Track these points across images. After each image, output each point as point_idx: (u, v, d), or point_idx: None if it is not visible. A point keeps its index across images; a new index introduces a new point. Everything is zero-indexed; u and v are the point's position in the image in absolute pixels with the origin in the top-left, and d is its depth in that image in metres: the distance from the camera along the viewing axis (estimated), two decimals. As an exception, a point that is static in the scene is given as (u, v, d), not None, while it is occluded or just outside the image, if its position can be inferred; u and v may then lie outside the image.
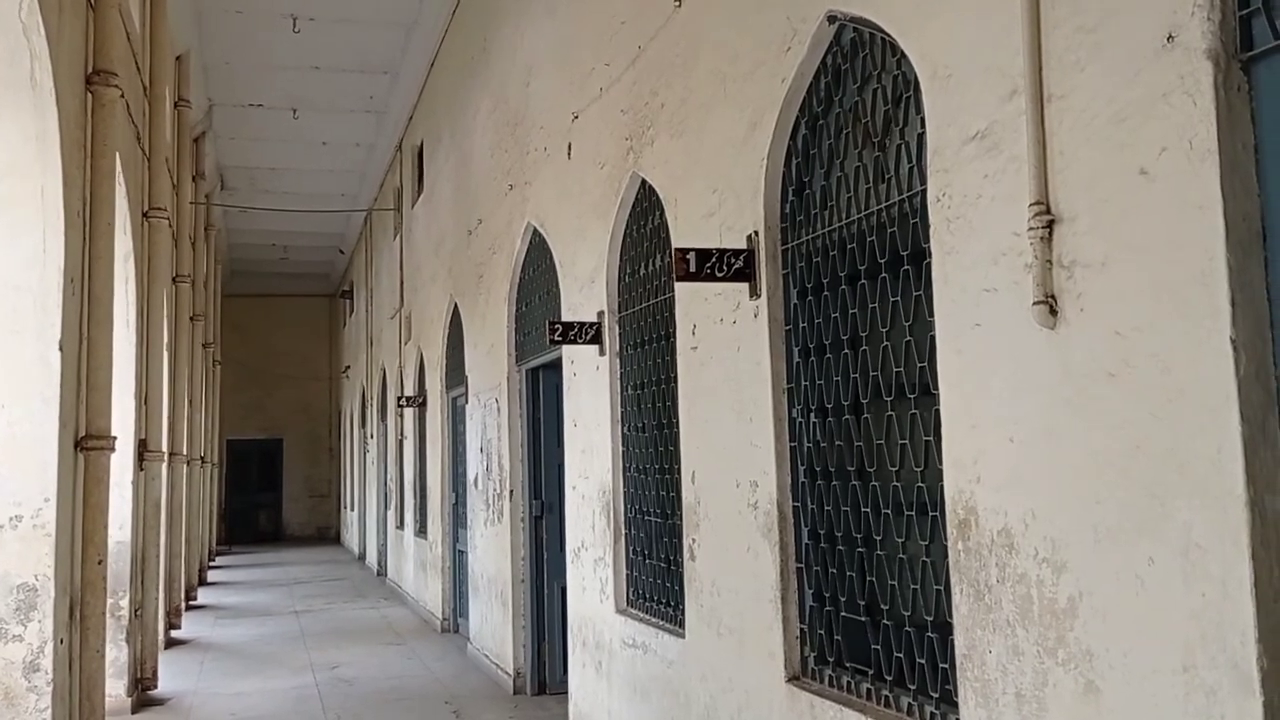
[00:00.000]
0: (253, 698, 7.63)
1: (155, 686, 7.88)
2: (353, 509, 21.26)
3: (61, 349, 4.65)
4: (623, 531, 5.59)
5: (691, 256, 4.03)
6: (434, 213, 11.75)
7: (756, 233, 4.03)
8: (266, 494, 25.57)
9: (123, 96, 5.58)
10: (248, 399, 24.85)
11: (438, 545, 10.95)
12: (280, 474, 25.85)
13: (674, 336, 4.85)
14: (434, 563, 11.14)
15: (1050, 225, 2.59)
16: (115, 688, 7.08)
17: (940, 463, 3.04)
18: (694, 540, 4.57)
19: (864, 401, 3.55)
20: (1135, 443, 2.36)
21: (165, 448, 9.06)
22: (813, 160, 3.85)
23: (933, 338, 3.10)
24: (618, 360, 5.66)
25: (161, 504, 8.70)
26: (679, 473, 4.78)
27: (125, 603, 7.26)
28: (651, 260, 5.26)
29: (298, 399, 25.58)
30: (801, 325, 3.89)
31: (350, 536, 21.80)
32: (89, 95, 5.05)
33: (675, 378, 4.84)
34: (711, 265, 4.03)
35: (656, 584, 5.17)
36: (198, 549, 14.46)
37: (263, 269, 23.26)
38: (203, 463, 14.82)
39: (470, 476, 9.27)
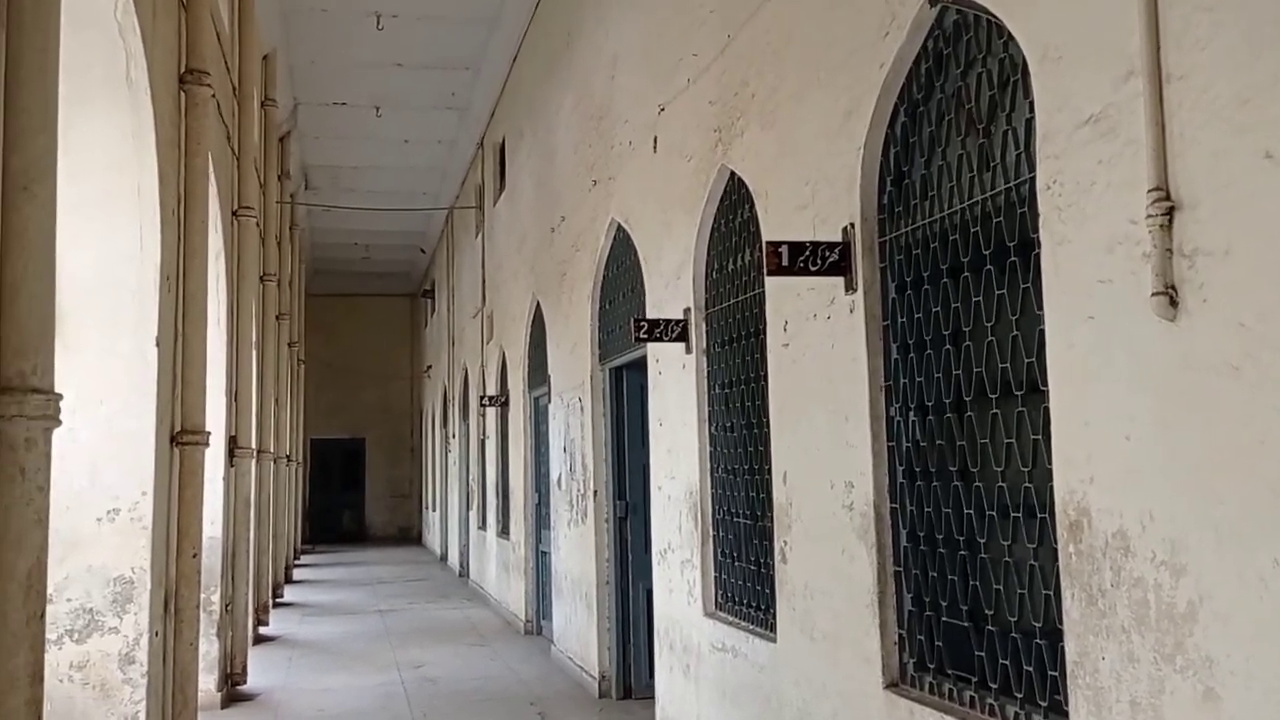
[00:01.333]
0: (339, 694, 7.81)
1: (244, 681, 8.12)
2: (434, 509, 21.60)
3: (158, 345, 4.81)
4: (711, 533, 5.58)
5: (784, 250, 4.01)
6: (516, 210, 11.87)
7: (852, 225, 4.00)
8: (349, 494, 26.13)
9: (214, 96, 5.76)
10: (330, 398, 25.42)
11: (520, 546, 11.07)
12: (363, 474, 26.40)
13: (764, 333, 4.83)
14: (516, 564, 11.27)
15: (1170, 212, 2.52)
16: (206, 682, 7.30)
17: (1049, 462, 2.98)
18: (785, 542, 4.55)
19: (966, 399, 3.50)
20: (1260, 438, 2.29)
21: (254, 445, 9.33)
22: (912, 149, 3.81)
23: (1041, 331, 3.05)
24: (705, 358, 5.66)
25: (251, 501, 8.96)
26: (769, 473, 4.76)
27: (216, 598, 7.49)
28: (740, 255, 5.25)
29: (379, 399, 26.09)
30: (900, 320, 3.85)
31: (432, 537, 22.16)
32: (182, 94, 5.22)
33: (765, 376, 4.82)
34: (805, 259, 4.00)
35: (746, 587, 5.16)
36: (284, 547, 14.85)
37: (345, 268, 23.77)
38: (288, 461, 15.19)
39: (553, 477, 9.34)
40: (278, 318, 12.49)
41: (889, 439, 3.87)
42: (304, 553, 21.33)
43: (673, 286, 6.02)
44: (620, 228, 7.38)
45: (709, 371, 5.64)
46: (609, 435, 7.82)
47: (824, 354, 4.21)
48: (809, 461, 4.34)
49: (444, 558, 19.64)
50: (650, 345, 6.36)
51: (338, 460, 26.36)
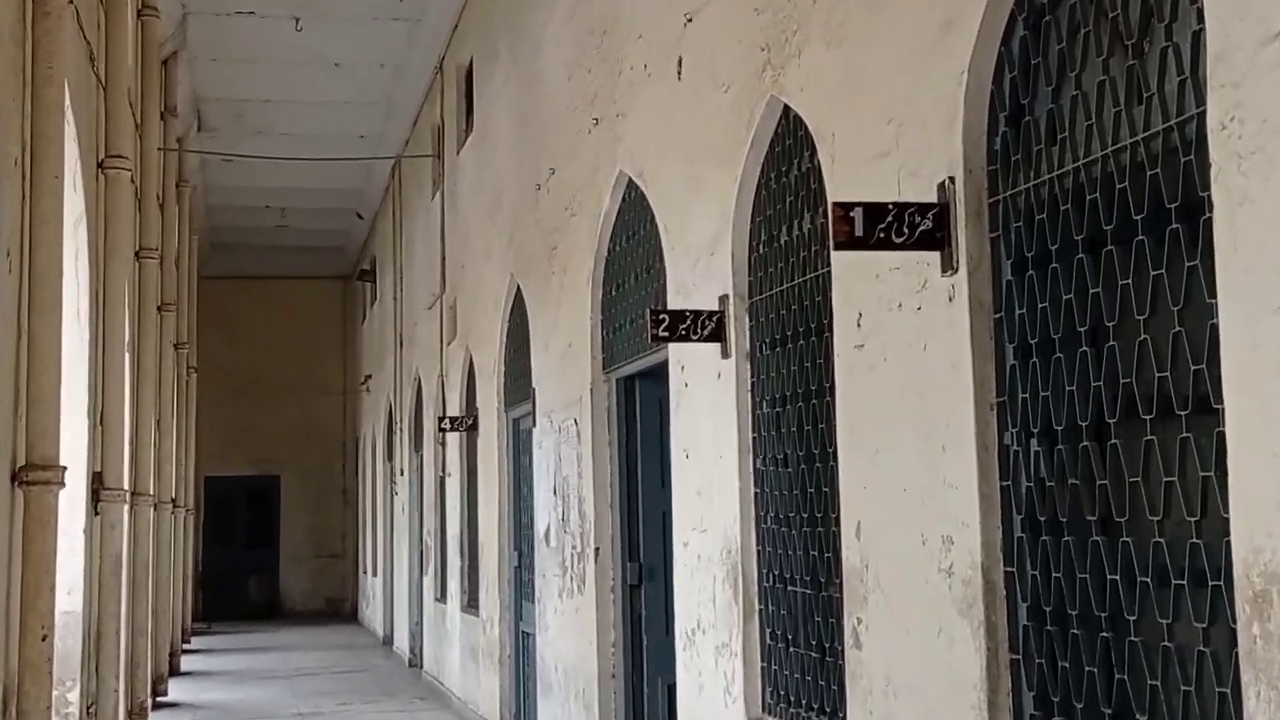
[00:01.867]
0: None
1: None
2: (375, 574, 21.69)
3: (-7, 347, 4.84)
4: (756, 607, 5.60)
5: (857, 215, 4.03)
6: (488, 160, 11.93)
7: (952, 180, 4.01)
8: (258, 552, 26.30)
9: (71, 2, 5.79)
10: (233, 420, 25.61)
11: (494, 624, 11.11)
12: (276, 525, 26.57)
13: (830, 330, 4.85)
14: (488, 649, 11.30)
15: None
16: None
17: (1225, 509, 2.97)
18: (859, 620, 4.55)
19: (1110, 422, 3.50)
20: None
21: (128, 485, 9.39)
22: (1035, 74, 3.81)
23: (1214, 327, 3.04)
24: (748, 364, 5.69)
25: (123, 562, 8.99)
26: (837, 524, 4.78)
27: (74, 695, 7.54)
28: (798, 222, 5.27)
29: (300, 421, 26.27)
30: (1019, 312, 3.85)
31: (372, 612, 22.24)
32: (28, 1, 5.25)
33: (832, 389, 4.83)
34: (886, 227, 4.02)
35: (805, 681, 5.17)
36: (168, 626, 14.93)
37: (254, 240, 23.99)
38: (175, 508, 15.29)
39: (539, 529, 9.37)
40: (160, 309, 12.58)
41: (1003, 477, 3.87)
42: (196, 633, 21.46)
43: (704, 266, 6.04)
44: (632, 184, 7.40)
45: (754, 383, 5.65)
46: (616, 472, 7.84)
47: (913, 358, 4.22)
48: (892, 508, 4.34)
49: (388, 640, 19.71)
50: (673, 347, 6.39)
51: (243, 506, 26.53)
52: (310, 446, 26.27)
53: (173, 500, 14.92)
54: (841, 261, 4.67)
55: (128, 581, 10.20)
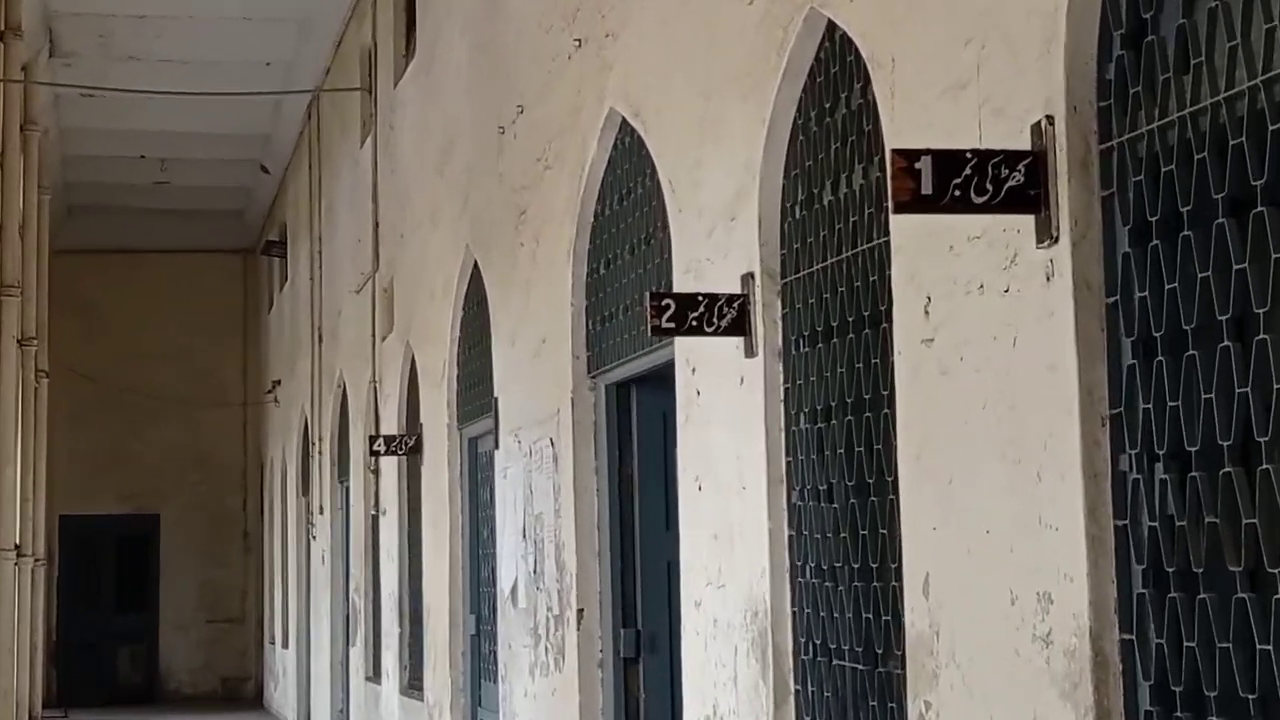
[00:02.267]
0: None
1: None
2: (287, 645, 21.67)
3: None
4: (791, 688, 5.61)
5: (924, 167, 4.03)
6: (435, 95, 11.93)
7: (1050, 120, 4.01)
8: (131, 617, 26.28)
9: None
10: (98, 442, 25.63)
11: (443, 712, 11.11)
12: (155, 581, 26.55)
13: (889, 320, 4.85)
14: (437, 745, 11.30)
15: None
16: None
17: None
18: (927, 705, 4.55)
19: (1262, 440, 3.49)
20: None
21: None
22: (1160, -22, 3.81)
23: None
24: (780, 365, 5.70)
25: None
26: (899, 577, 4.78)
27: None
28: (846, 176, 5.28)
29: (188, 443, 26.26)
30: (1139, 295, 3.85)
31: (282, 695, 22.23)
32: None
33: (892, 398, 4.83)
34: (963, 183, 4.02)
35: (857, 787, 5.17)
36: (10, 712, 14.90)
37: (125, 202, 23.98)
38: (17, 557, 15.29)
39: (504, 584, 9.37)
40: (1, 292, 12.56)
41: (1118, 514, 3.88)
42: (48, 724, 21.41)
43: (722, 235, 6.05)
44: (626, 127, 7.40)
45: (788, 390, 5.66)
46: (606, 508, 7.86)
47: (998, 358, 4.22)
48: (971, 556, 4.34)
49: (304, 734, 19.70)
50: (681, 342, 6.41)
51: (110, 556, 26.49)
52: (200, 477, 26.27)
53: (16, 548, 14.92)
54: (904, 229, 4.67)
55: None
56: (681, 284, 6.38)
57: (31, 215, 16.85)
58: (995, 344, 4.24)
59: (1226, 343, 3.61)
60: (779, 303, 5.70)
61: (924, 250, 4.59)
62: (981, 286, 4.30)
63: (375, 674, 14.40)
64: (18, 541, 15.18)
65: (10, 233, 13.68)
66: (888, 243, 4.87)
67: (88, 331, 25.18)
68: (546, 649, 8.41)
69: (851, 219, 5.23)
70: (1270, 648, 3.47)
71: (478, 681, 10.69)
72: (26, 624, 17.92)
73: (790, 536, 5.62)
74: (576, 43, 8.02)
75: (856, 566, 5.18)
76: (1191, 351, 3.71)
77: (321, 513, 17.89)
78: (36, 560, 18.85)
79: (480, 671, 10.62)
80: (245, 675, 26.32)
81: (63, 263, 22.88)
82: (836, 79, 5.35)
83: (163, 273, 25.90)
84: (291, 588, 21.04)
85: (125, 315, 25.77)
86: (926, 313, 4.57)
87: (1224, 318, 3.61)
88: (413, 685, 12.60)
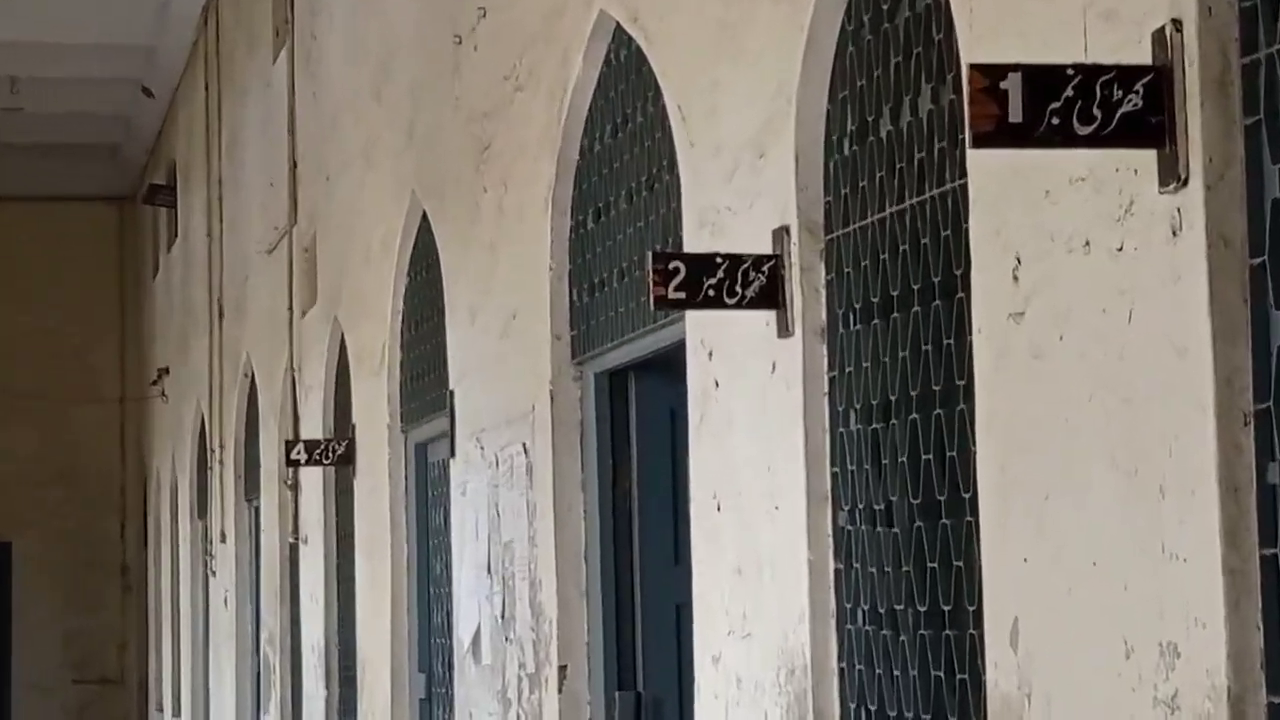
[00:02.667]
0: None
1: None
2: (179, 713, 21.64)
3: None
4: (840, 768, 5.62)
5: (1012, 88, 4.04)
6: (371, -9, 11.91)
7: (1177, 25, 4.01)
8: (-28, 678, 26.26)
9: None
10: (-73, 448, 25.58)
11: (384, 803, 11.13)
12: (4, 629, 26.47)
13: (965, 288, 4.87)
14: (376, 846, 11.33)
15: None
16: None
17: None
18: (1017, 789, 4.57)
19: None
20: None
21: None
22: None
23: None
24: (823, 348, 5.71)
25: None
26: (978, 623, 4.79)
27: None
28: (910, 99, 5.28)
29: (48, 450, 26.23)
30: (1293, 255, 3.86)
31: (172, 783, 22.20)
32: None
33: (969, 390, 4.85)
34: (1063, 108, 4.02)
35: None
36: None
37: (-39, 133, 23.89)
38: None
39: (463, 634, 9.40)
40: None
41: (1265, 542, 3.88)
42: None
43: (747, 177, 6.05)
44: (620, 34, 7.40)
45: (833, 380, 5.67)
46: (596, 535, 7.86)
47: (1109, 336, 4.23)
48: (1073, 595, 4.36)
49: (201, 833, 19.71)
50: (693, 318, 6.41)
51: (-55, 598, 26.46)
52: (64, 494, 26.28)
53: None
54: (986, 169, 4.67)
55: None
56: (695, 242, 6.37)
57: None
58: (1105, 319, 4.23)
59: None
60: (822, 266, 5.69)
61: (1011, 197, 4.57)
62: (1087, 244, 4.29)
63: (295, 754, 14.43)
64: None
65: None
66: (964, 187, 4.84)
67: (-85, 304, 25.19)
68: (519, 717, 8.41)
69: (917, 156, 5.21)
70: None
71: (429, 763, 10.72)
72: None
73: (837, 571, 5.61)
74: (557, -78, 8.03)
75: (923, 610, 5.16)
76: (1361, 328, 3.74)
77: (223, 541, 17.89)
78: None
79: (433, 750, 10.66)
80: (124, 756, 26.37)
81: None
82: (895, -28, 5.37)
83: (13, 227, 25.87)
84: (185, 639, 21.05)
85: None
86: (1015, 278, 4.55)
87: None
88: (344, 770, 12.63)
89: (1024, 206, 4.55)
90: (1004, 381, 4.65)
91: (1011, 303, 4.61)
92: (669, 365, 7.23)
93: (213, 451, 18.43)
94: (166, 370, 22.59)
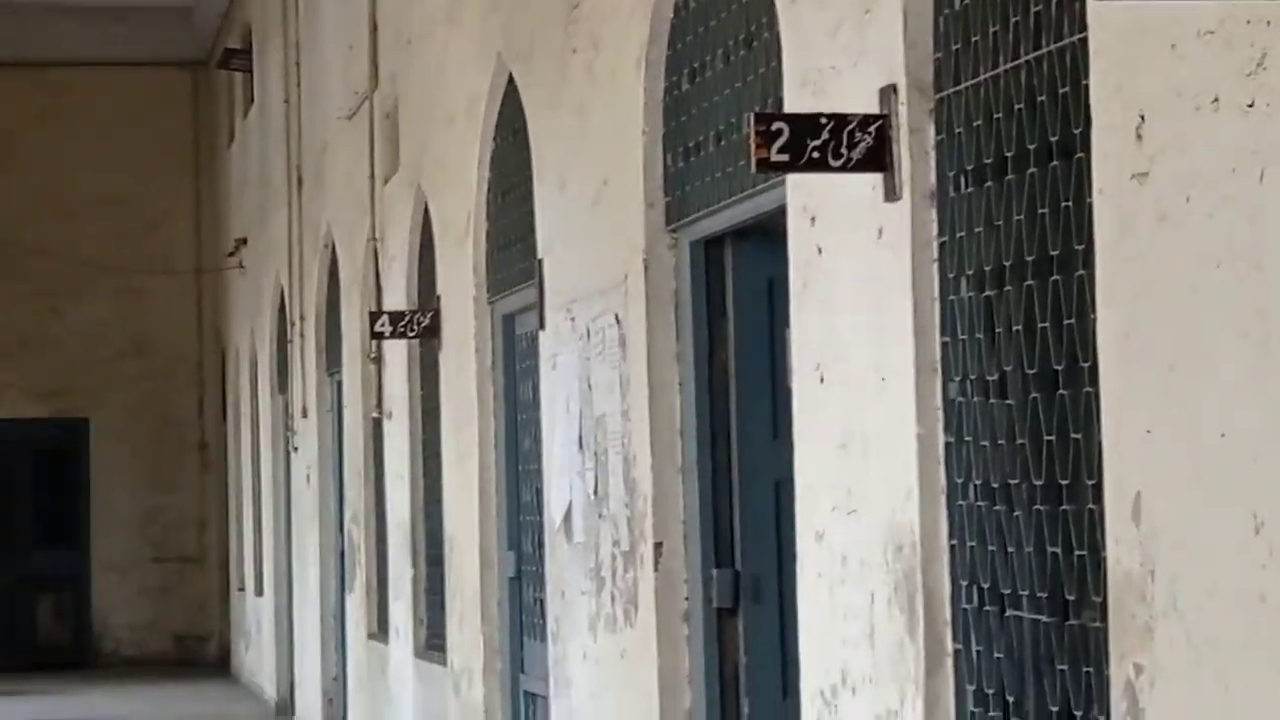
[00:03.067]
0: None
1: None
2: (261, 592, 21.84)
3: None
4: (949, 647, 5.61)
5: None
6: None
7: None
8: (53, 556, 26.57)
9: None
10: (4, 324, 25.82)
11: (474, 680, 11.20)
12: (85, 508, 26.76)
13: (1084, 147, 4.80)
14: (465, 724, 11.40)
15: None
16: None
17: None
18: (1138, 667, 4.53)
19: None
20: None
21: None
22: None
23: None
24: (932, 211, 5.67)
25: None
26: (1097, 497, 4.76)
27: None
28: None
29: (123, 325, 26.44)
30: None
31: (256, 657, 22.46)
32: None
33: (1089, 255, 4.79)
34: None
35: (1038, 779, 5.18)
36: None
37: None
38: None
39: (554, 511, 9.42)
40: None
41: None
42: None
43: (852, 33, 6.00)
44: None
45: (943, 246, 5.62)
46: (692, 408, 7.86)
47: (1238, 198, 4.16)
48: (1199, 468, 4.31)
49: (285, 709, 19.88)
50: (795, 181, 6.37)
51: (25, 475, 26.76)
52: (141, 369, 26.48)
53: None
54: (1107, 22, 4.59)
55: None
56: (797, 101, 6.31)
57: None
58: (1235, 179, 4.16)
59: None
60: (932, 127, 5.63)
61: (1135, 50, 4.50)
62: (1216, 100, 4.21)
63: (381, 631, 14.52)
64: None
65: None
66: (1084, 41, 4.77)
67: (-13, 175, 25.32)
68: (613, 597, 8.43)
69: (1033, 9, 5.15)
70: None
71: (519, 640, 10.76)
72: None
73: (947, 444, 5.59)
74: None
75: (1039, 484, 5.13)
76: None
77: (305, 416, 17.99)
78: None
79: (522, 627, 10.70)
80: (205, 633, 26.64)
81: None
82: None
83: (84, 94, 25.97)
84: (267, 517, 21.22)
85: (36, 152, 25.88)
86: (1139, 137, 4.48)
87: None
88: (432, 645, 12.69)
89: (1148, 61, 4.47)
90: (1127, 246, 4.59)
91: (1135, 163, 4.54)
92: (768, 232, 7.22)
93: (293, 324, 18.49)
94: (244, 241, 22.68)
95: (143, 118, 26.08)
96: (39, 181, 25.70)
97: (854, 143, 5.75)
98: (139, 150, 26.07)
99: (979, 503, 5.47)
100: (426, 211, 12.61)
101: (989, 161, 5.39)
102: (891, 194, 5.74)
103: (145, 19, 25.01)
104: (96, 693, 23.04)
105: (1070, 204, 4.98)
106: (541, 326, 9.64)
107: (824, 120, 5.79)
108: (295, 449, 18.79)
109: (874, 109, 5.79)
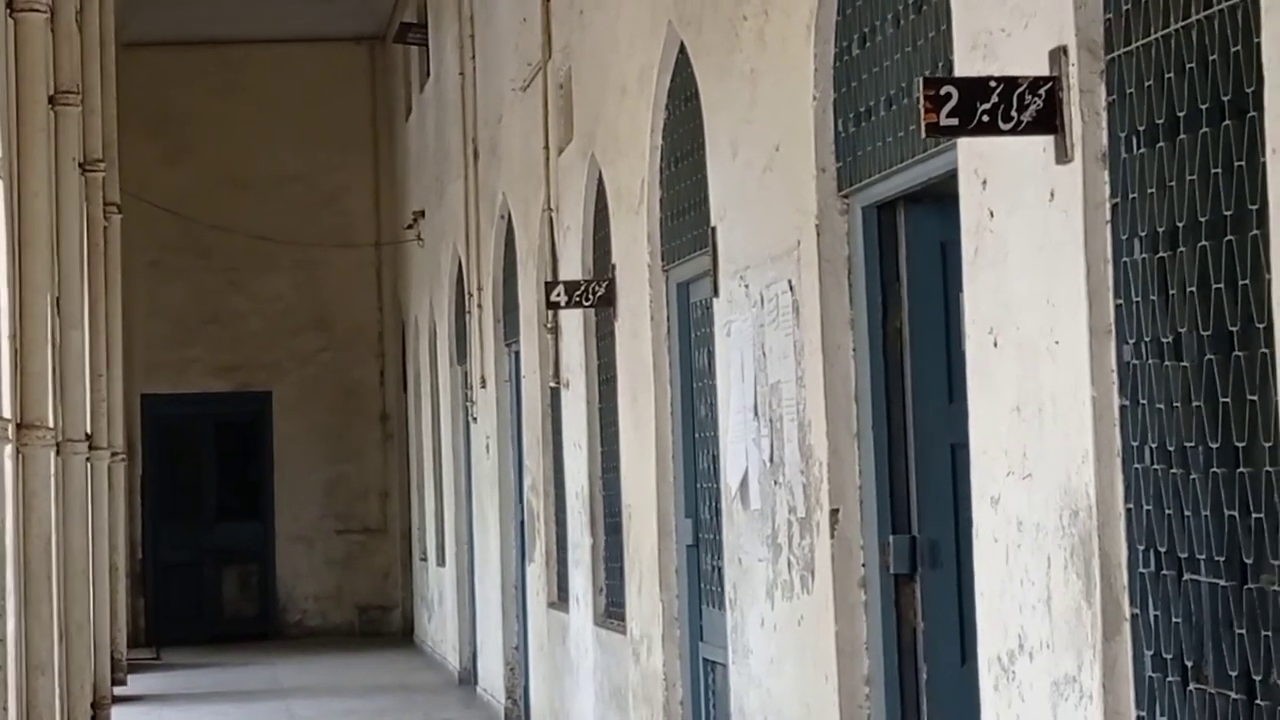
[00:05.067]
0: None
1: None
2: (443, 562, 21.98)
3: None
4: (1126, 612, 5.58)
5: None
6: None
7: None
8: (238, 527, 26.89)
9: None
10: (187, 298, 26.20)
11: (653, 648, 11.24)
12: (269, 481, 27.04)
13: (1257, 106, 4.75)
14: (645, 691, 11.46)
15: None
16: None
17: None
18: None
19: None
20: None
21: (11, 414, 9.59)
22: None
23: None
24: (1104, 174, 5.63)
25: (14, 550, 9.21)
26: (1275, 460, 4.73)
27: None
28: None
29: (305, 298, 26.69)
30: None
31: (439, 627, 22.61)
32: None
33: (1262, 213, 4.74)
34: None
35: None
36: (85, 659, 15.34)
37: (210, -22, 24.15)
38: (90, 450, 15.63)
39: (730, 479, 9.44)
40: (53, 100, 12.75)
41: None
42: (137, 668, 22.02)
43: (1021, -5, 5.95)
44: None
45: (1115, 208, 5.59)
46: (867, 374, 7.86)
47: None
48: (1378, 429, 4.24)
49: (468, 678, 20.02)
50: (966, 145, 6.36)
51: (210, 449, 27.10)
52: (323, 342, 26.70)
53: (87, 438, 15.24)
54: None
55: (17, 583, 10.54)
56: (967, 65, 6.28)
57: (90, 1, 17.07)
58: None
59: None
60: (1103, 88, 5.59)
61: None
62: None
63: (561, 599, 14.57)
64: (89, 430, 15.51)
65: (65, 22, 13.86)
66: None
67: (169, 152, 25.61)
68: (790, 564, 8.43)
69: (1212, -38, 5.10)
70: None
71: (697, 608, 10.76)
72: (105, 539, 18.40)
73: (1122, 408, 5.54)
74: None
75: (1215, 447, 5.08)
76: None
77: (484, 386, 18.06)
78: (114, 455, 19.32)
79: (701, 595, 10.70)
80: (389, 603, 26.83)
81: (133, 61, 23.31)
82: None
83: (265, 71, 26.22)
84: (447, 487, 21.32)
85: (217, 129, 26.13)
86: (1309, 93, 4.44)
87: None
88: (611, 614, 12.73)
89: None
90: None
91: (1306, 120, 4.49)
92: (940, 196, 7.19)
93: (471, 295, 18.55)
94: (422, 213, 22.79)
95: (321, 94, 26.27)
96: (220, 158, 25.94)
97: (1024, 105, 5.72)
98: (317, 126, 26.26)
99: (1155, 466, 5.43)
100: (600, 181, 12.62)
101: (1161, 122, 5.34)
102: (1063, 156, 5.71)
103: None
104: (282, 664, 23.26)
105: (1244, 163, 4.92)
106: (715, 294, 9.63)
107: (994, 84, 5.77)
108: (474, 419, 18.87)
109: (1044, 71, 5.76)
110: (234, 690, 20.78)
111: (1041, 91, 5.73)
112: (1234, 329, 5.00)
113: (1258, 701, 4.95)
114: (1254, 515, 4.93)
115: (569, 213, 13.60)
